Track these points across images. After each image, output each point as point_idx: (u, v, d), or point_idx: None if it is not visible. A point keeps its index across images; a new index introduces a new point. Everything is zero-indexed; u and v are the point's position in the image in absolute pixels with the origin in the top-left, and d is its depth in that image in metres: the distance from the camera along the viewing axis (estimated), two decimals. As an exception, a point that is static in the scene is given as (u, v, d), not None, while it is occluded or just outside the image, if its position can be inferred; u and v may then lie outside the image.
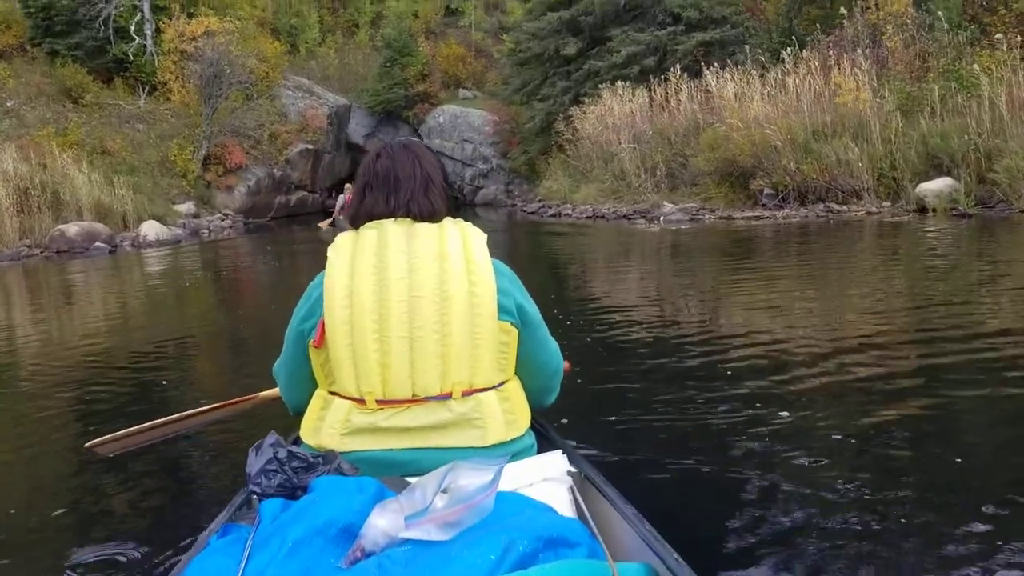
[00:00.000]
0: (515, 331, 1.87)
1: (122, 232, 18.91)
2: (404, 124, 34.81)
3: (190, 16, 26.89)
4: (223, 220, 24.50)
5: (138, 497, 3.20)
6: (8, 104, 24.80)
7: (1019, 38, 13.97)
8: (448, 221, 1.91)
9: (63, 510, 3.10)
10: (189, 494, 3.17)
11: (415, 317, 1.76)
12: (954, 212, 11.80)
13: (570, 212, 19.12)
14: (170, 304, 9.57)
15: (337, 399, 1.83)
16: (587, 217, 17.98)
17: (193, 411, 2.85)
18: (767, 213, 13.70)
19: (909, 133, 13.21)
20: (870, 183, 13.16)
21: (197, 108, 25.78)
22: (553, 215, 19.92)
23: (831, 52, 16.29)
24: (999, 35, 13.87)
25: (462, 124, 32.42)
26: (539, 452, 1.93)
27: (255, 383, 4.73)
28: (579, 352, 4.90)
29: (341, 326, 1.77)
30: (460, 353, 1.77)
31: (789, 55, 15.79)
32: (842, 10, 18.40)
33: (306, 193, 31.17)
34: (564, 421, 3.53)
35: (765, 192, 14.09)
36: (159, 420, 2.77)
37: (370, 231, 1.86)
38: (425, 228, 1.86)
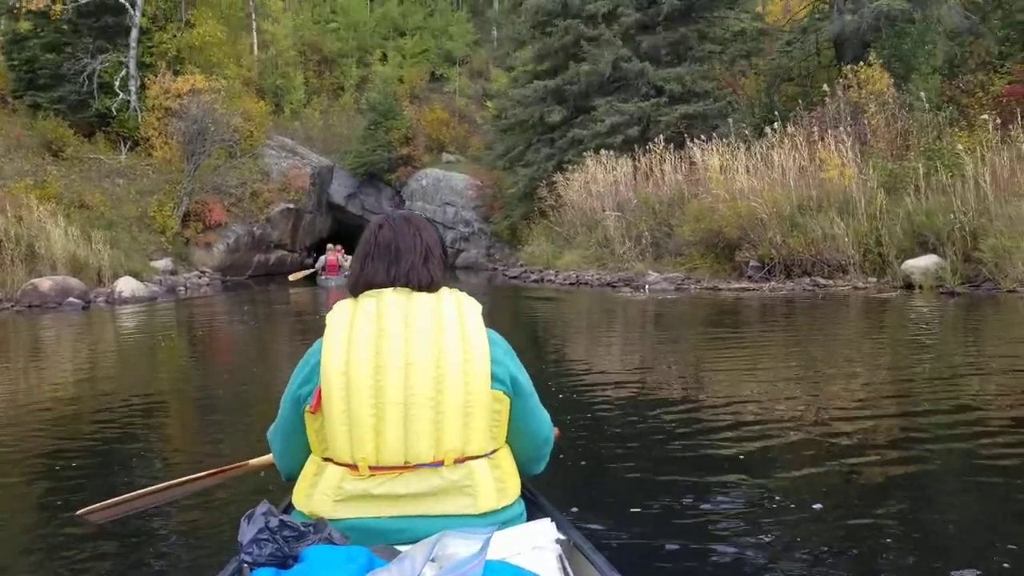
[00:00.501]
0: (507, 400, 1.90)
1: (97, 287, 18.52)
2: (386, 186, 34.90)
3: (176, 74, 26.94)
4: (200, 277, 24.20)
5: (126, 566, 3.11)
6: (-14, 156, 24.57)
7: (998, 120, 14.21)
8: (445, 291, 1.95)
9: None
10: (179, 562, 3.13)
11: (410, 385, 1.79)
12: (942, 290, 11.78)
13: (553, 278, 19.02)
14: (143, 364, 9.22)
15: (331, 465, 1.84)
16: (571, 283, 17.87)
17: (184, 479, 2.85)
18: (753, 285, 13.64)
19: (894, 210, 13.29)
20: (856, 258, 13.17)
21: (179, 165, 25.66)
22: (536, 280, 19.81)
23: (814, 128, 16.51)
24: (984, 116, 14.09)
25: (444, 188, 32.53)
26: (529, 520, 1.94)
27: (229, 448, 4.58)
28: (567, 419, 4.90)
29: (337, 392, 1.79)
30: (453, 421, 1.79)
31: (774, 130, 15.95)
32: (824, 87, 18.76)
33: (286, 252, 30.98)
34: (574, 509, 3.34)
35: (751, 264, 14.06)
36: (151, 488, 2.77)
37: (368, 299, 1.89)
38: (422, 298, 1.89)
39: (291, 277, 22.17)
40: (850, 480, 3.71)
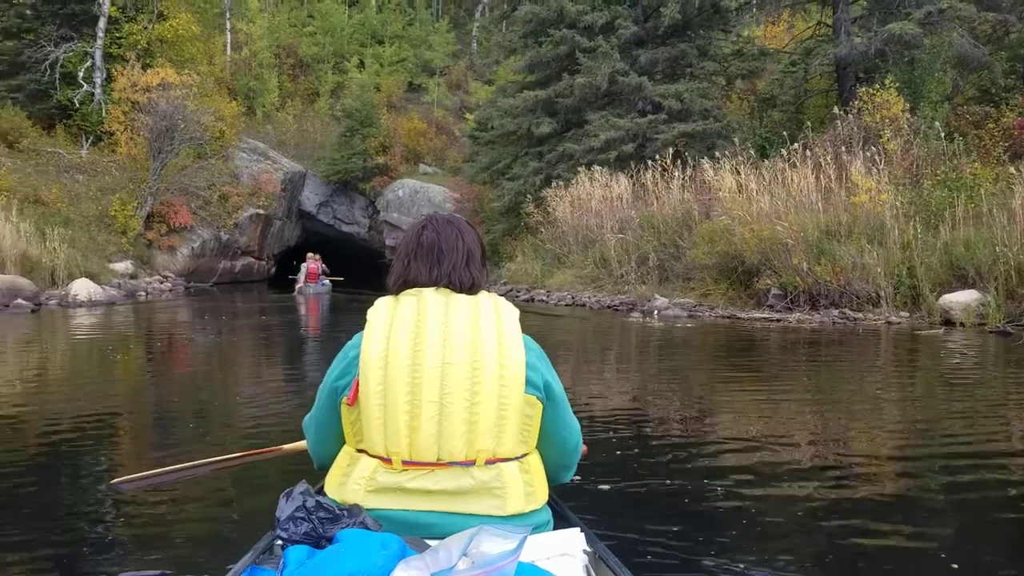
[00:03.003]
0: (540, 405, 1.91)
1: (49, 289, 17.05)
2: (360, 196, 33.61)
3: (145, 67, 25.44)
4: (162, 283, 22.72)
5: (155, 536, 3.25)
6: (-65, 144, 22.90)
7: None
8: (484, 294, 1.97)
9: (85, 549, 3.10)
10: (207, 534, 3.27)
11: (446, 383, 1.81)
12: (990, 329, 10.78)
13: (545, 298, 17.81)
14: (94, 375, 8.29)
15: (364, 457, 1.87)
16: (566, 304, 16.68)
17: (218, 459, 2.97)
18: (776, 315, 12.55)
19: (928, 240, 12.34)
20: (888, 290, 12.17)
21: (144, 163, 24.15)
22: (526, 300, 18.54)
23: (829, 150, 15.59)
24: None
25: (422, 199, 31.22)
26: (555, 529, 1.95)
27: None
28: (591, 438, 4.57)
29: (375, 386, 1.82)
30: (487, 422, 1.81)
31: (791, 150, 14.94)
32: (835, 109, 17.97)
33: (253, 260, 29.55)
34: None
35: (772, 292, 12.97)
36: (185, 464, 2.95)
37: (409, 298, 1.92)
38: (462, 299, 1.91)
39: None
40: (852, 532, 3.37)
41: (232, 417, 6.01)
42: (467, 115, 35.65)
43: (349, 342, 1.96)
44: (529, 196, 22.83)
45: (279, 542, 1.67)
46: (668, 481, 4.14)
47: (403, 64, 42.52)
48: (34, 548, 3.08)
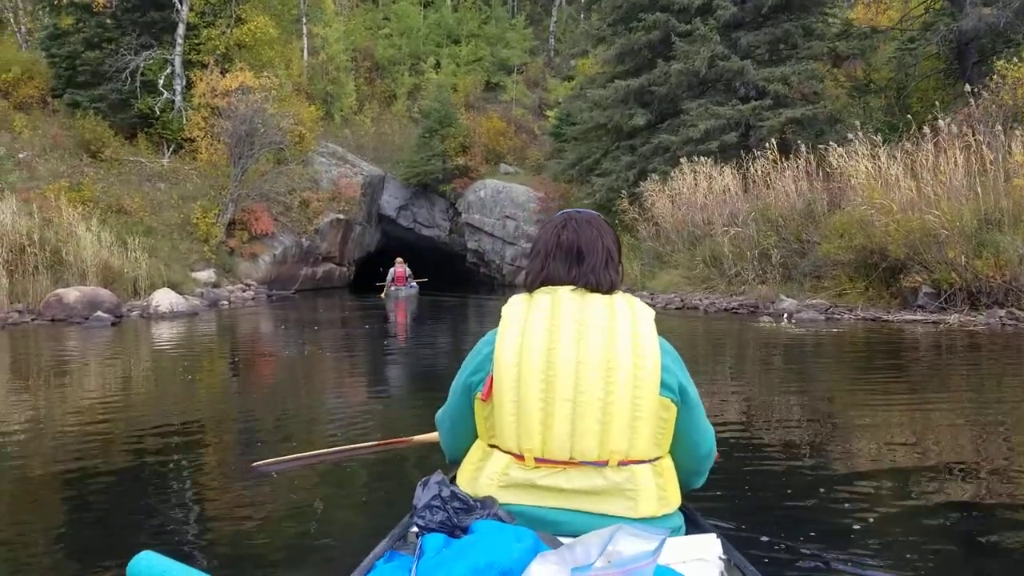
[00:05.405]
0: (674, 408, 1.85)
1: (131, 300, 16.46)
2: (440, 198, 32.70)
3: (224, 72, 24.95)
4: (245, 291, 22.09)
5: (292, 520, 3.34)
6: (21, 155, 22.76)
7: None
8: (619, 295, 1.92)
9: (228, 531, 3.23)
10: (343, 519, 3.39)
11: (580, 382, 1.77)
12: None
13: (650, 301, 16.36)
14: (176, 390, 7.65)
15: (496, 452, 1.84)
16: (676, 308, 15.30)
17: (351, 446, 3.29)
18: (931, 317, 11.00)
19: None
20: (1064, 286, 10.52)
21: (225, 169, 23.62)
22: (627, 304, 17.21)
23: (968, 131, 13.88)
24: None
25: (504, 200, 30.13)
26: (688, 535, 1.86)
27: (270, 488, 3.93)
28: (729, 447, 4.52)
29: (508, 383, 1.80)
30: (620, 423, 1.77)
31: (944, 128, 13.23)
32: (967, 87, 16.22)
33: (334, 266, 28.88)
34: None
35: (924, 291, 11.40)
36: (321, 451, 3.26)
37: (543, 296, 1.89)
38: (597, 299, 1.88)
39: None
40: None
41: (329, 423, 5.87)
42: (547, 112, 34.51)
43: (483, 339, 1.95)
44: (623, 192, 21.55)
45: (415, 529, 1.68)
46: (811, 494, 3.80)
47: (480, 63, 41.55)
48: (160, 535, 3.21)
